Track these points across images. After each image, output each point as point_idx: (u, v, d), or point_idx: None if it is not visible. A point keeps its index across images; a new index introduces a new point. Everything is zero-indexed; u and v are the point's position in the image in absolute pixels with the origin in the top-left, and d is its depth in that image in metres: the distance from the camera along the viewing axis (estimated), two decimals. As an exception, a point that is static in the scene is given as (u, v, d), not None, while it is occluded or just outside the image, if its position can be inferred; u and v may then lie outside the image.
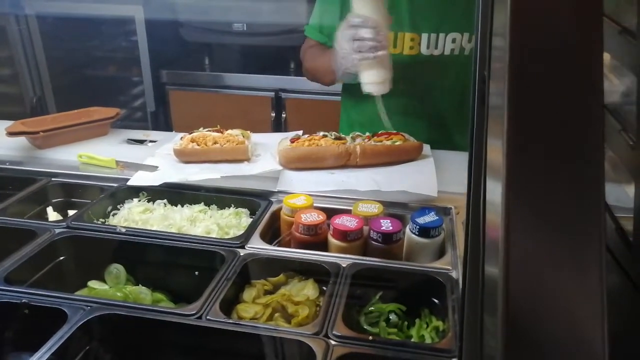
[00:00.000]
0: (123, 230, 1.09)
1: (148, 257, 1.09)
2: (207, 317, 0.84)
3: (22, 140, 1.44)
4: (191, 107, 2.64)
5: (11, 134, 1.39)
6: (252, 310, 0.90)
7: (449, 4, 1.40)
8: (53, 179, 1.31)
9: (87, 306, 0.86)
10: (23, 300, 0.87)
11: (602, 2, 0.47)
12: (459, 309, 0.60)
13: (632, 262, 0.55)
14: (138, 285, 1.05)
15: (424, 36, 1.40)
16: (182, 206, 1.23)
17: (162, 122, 2.70)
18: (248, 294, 0.95)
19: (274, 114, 2.56)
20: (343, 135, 1.36)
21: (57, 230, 1.08)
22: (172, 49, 2.70)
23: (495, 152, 0.50)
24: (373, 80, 1.28)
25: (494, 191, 0.50)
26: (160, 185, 1.25)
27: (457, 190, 1.23)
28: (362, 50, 1.23)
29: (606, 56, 0.59)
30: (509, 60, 0.47)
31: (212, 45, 2.78)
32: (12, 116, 1.59)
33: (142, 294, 1.03)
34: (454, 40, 1.40)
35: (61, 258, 1.06)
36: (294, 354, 0.78)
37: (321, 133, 1.36)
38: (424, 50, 1.41)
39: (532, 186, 0.46)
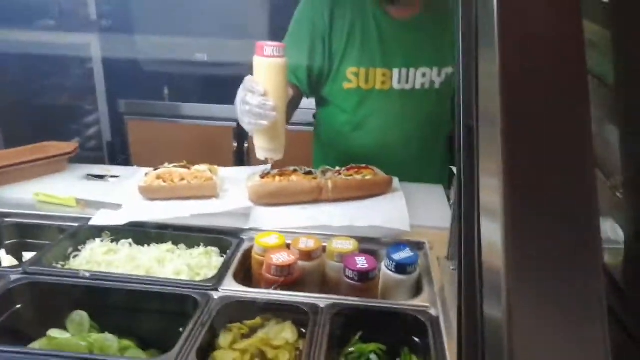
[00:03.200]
0: (87, 274, 1.03)
1: (114, 302, 1.03)
2: (184, 368, 0.79)
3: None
4: (150, 137, 2.58)
5: (-40, 171, 1.30)
6: (229, 357, 0.86)
7: (419, 40, 1.45)
8: (6, 219, 1.23)
9: (51, 362, 0.80)
10: (-23, 358, 0.80)
11: (584, 54, 0.49)
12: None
13: (625, 311, 0.57)
14: (103, 332, 0.99)
15: (395, 71, 1.43)
16: (149, 246, 1.18)
17: (120, 152, 2.62)
18: (224, 339, 0.91)
19: (236, 144, 2.54)
20: (313, 170, 1.35)
21: (13, 277, 1.01)
22: (130, 78, 2.63)
23: (491, 195, 0.50)
24: (262, 146, 1.31)
25: (491, 234, 0.50)
26: (124, 225, 1.20)
27: (429, 224, 1.24)
28: (249, 115, 1.26)
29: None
30: (501, 116, 0.48)
31: (173, 74, 2.74)
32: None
33: (108, 342, 0.97)
34: (424, 75, 1.44)
35: (18, 307, 0.99)
36: (278, 405, 0.75)
37: (292, 168, 1.35)
38: (395, 84, 1.45)
39: (532, 232, 0.46)
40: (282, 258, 1.02)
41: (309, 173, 1.33)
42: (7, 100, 2.65)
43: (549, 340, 0.43)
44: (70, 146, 1.50)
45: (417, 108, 1.47)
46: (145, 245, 1.18)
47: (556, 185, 0.46)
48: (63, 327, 0.99)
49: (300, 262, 1.04)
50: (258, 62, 1.26)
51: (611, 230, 0.61)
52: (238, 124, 2.50)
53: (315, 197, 1.30)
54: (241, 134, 2.54)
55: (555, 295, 0.44)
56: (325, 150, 1.64)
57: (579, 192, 0.45)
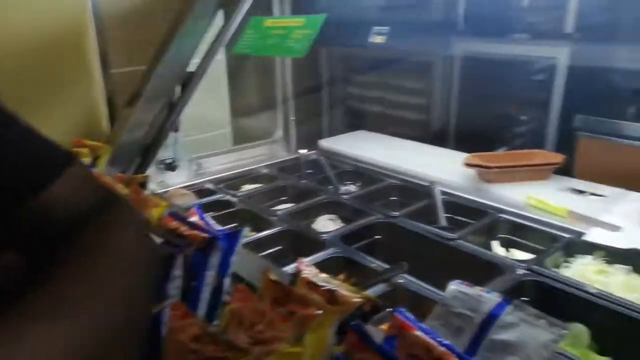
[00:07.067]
0: (594, 291, 1.02)
1: (615, 327, 0.99)
2: None
3: (472, 172, 1.57)
4: (600, 157, 2.41)
5: (468, 165, 1.52)
6: None
7: None
8: (501, 214, 1.37)
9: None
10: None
11: None
12: None
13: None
14: (603, 355, 0.97)
15: None
16: (650, 278, 1.09)
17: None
18: None
19: None
20: None
21: (519, 271, 1.10)
22: (591, 93, 2.51)
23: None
24: None
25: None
26: (622, 249, 1.14)
27: None
28: None
29: None
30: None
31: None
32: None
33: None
34: None
35: (523, 299, 1.08)
36: None
37: None
38: None
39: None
40: None
41: None
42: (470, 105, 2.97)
43: None
44: (556, 157, 1.55)
45: None
46: (646, 277, 1.10)
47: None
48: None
49: None
50: None
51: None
52: None
53: None
54: None
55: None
56: None
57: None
